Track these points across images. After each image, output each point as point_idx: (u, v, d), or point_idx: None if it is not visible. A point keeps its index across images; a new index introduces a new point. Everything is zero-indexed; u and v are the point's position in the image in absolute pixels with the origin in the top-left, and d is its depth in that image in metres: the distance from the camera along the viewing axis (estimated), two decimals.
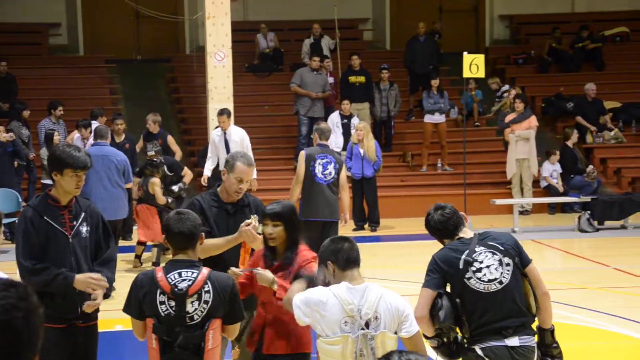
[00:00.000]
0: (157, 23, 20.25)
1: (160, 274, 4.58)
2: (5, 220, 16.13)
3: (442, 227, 5.14)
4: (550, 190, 17.36)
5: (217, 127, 14.75)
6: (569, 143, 17.62)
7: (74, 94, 19.14)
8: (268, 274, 5.17)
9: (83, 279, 5.29)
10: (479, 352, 4.91)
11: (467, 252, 4.97)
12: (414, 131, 19.06)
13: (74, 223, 5.42)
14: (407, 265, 12.68)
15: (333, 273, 4.54)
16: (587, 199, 15.62)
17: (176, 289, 4.53)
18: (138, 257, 12.51)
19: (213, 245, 5.66)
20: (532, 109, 18.12)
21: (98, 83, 20.36)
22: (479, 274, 4.93)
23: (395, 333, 4.49)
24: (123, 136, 14.89)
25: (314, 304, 4.43)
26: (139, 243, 12.52)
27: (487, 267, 4.94)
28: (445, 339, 5.00)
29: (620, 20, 22.08)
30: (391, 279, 10.58)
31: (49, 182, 13.88)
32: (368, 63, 18.83)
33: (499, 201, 15.99)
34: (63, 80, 19.89)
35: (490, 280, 4.93)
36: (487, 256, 4.96)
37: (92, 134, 15.19)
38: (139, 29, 22.04)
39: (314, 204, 10.36)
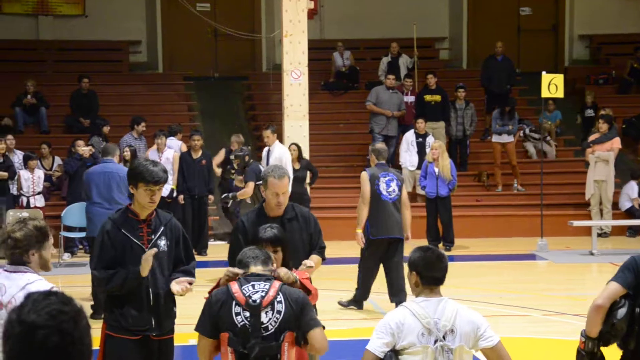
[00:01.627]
0: (235, 41, 20.48)
1: (235, 287, 4.66)
2: (83, 234, 16.23)
3: None
4: (631, 213, 17.00)
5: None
6: None
7: (152, 110, 19.43)
8: (290, 272, 5.14)
9: (143, 262, 5.36)
10: None
11: None
12: (489, 151, 18.86)
13: (152, 237, 5.50)
14: (481, 285, 12.54)
15: (415, 283, 4.50)
16: None
17: (250, 300, 4.59)
18: None
19: None
20: None
21: (176, 100, 20.66)
22: None
23: (471, 349, 4.44)
24: (200, 152, 15.07)
25: (396, 327, 4.39)
26: None
27: None
28: (596, 348, 4.81)
29: None
30: (465, 299, 10.45)
31: None
32: (444, 82, 18.73)
33: (577, 223, 15.71)
34: (142, 96, 20.22)
35: None
36: None
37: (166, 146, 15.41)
38: (217, 47, 22.31)
39: (382, 223, 10.34)
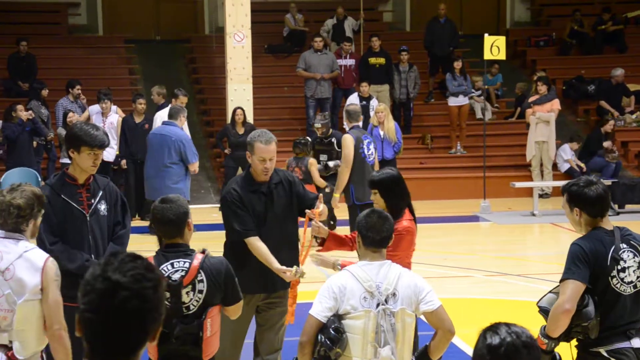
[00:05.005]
0: (177, 3, 20.24)
1: None
2: None
3: (603, 203, 4.73)
4: (570, 174, 17.23)
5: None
6: (602, 130, 17.44)
7: (93, 73, 19.14)
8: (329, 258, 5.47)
9: None
10: (605, 354, 4.66)
11: (613, 247, 4.66)
12: (433, 113, 18.96)
13: (92, 201, 5.42)
14: (425, 247, 12.63)
15: (358, 244, 4.57)
16: (608, 182, 15.50)
17: (170, 280, 4.48)
18: None
19: (259, 252, 5.67)
20: None
21: (117, 63, 20.37)
22: (622, 274, 4.67)
23: (414, 312, 4.45)
24: (143, 116, 14.91)
25: (338, 291, 4.39)
26: None
27: (629, 268, 4.68)
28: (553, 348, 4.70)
29: None
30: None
31: (68, 161, 13.91)
32: (388, 45, 18.72)
33: (519, 184, 15.90)
34: (82, 60, 19.89)
35: (628, 283, 4.69)
36: (629, 256, 4.69)
37: (112, 108, 15.17)
38: (158, 9, 22.00)
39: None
